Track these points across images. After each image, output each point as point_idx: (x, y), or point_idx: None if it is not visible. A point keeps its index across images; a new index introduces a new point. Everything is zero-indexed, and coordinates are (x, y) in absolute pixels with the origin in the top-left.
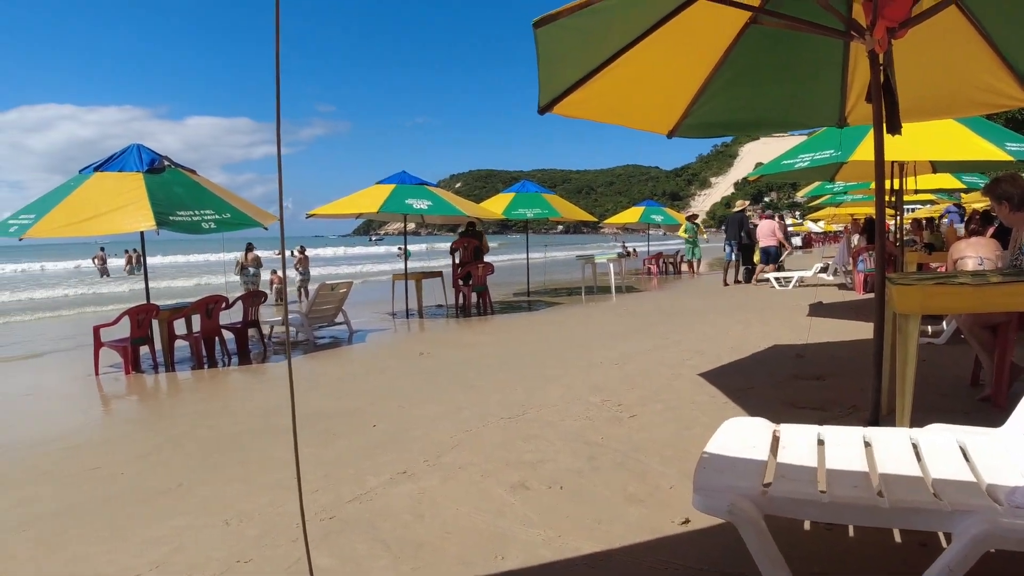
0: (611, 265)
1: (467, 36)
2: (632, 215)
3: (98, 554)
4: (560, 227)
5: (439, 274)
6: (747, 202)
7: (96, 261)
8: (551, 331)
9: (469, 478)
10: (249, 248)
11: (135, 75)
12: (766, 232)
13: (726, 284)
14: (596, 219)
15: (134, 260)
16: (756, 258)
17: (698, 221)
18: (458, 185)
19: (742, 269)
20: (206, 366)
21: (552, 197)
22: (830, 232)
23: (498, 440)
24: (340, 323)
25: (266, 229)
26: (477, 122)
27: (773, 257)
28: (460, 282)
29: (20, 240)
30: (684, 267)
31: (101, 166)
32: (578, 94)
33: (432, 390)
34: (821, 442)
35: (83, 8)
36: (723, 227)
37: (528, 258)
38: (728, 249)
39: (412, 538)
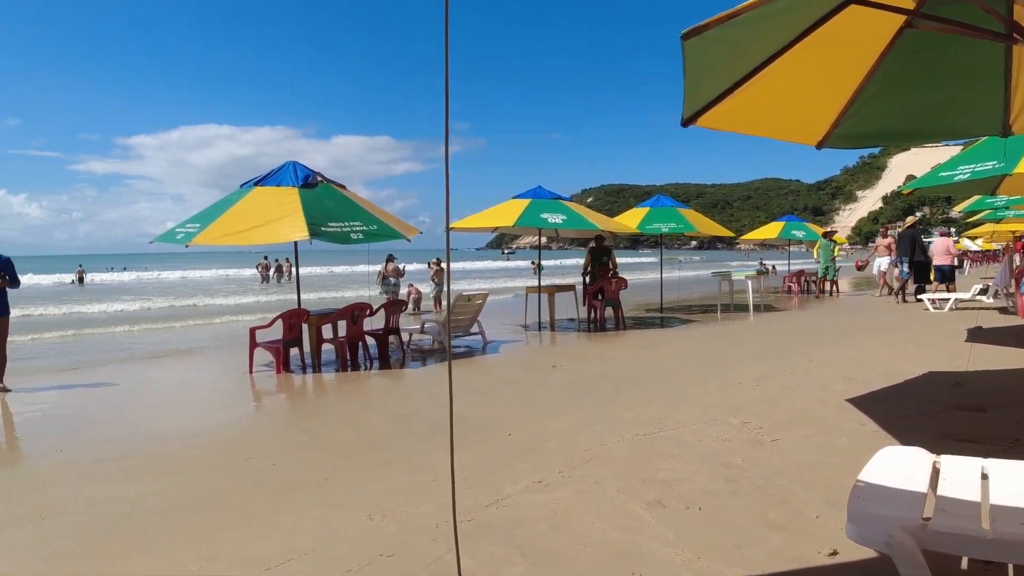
0: (749, 282)
1: (600, 54)
2: (771, 230)
3: (249, 538)
4: (693, 243)
5: (571, 288)
6: (917, 217)
7: (260, 269)
8: (686, 348)
9: (604, 492)
10: (390, 259)
11: (287, 98)
12: (941, 250)
13: (903, 301)
14: (733, 234)
15: (285, 269)
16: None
17: (836, 237)
18: (590, 200)
19: (914, 287)
20: (349, 369)
21: (688, 211)
22: (989, 251)
23: (633, 456)
24: (475, 333)
25: (409, 241)
26: (609, 136)
27: (948, 276)
28: (592, 296)
29: (187, 247)
30: (823, 285)
31: (260, 181)
32: (723, 105)
33: (566, 403)
34: (985, 476)
35: (242, 38)
36: (870, 243)
37: (661, 273)
38: (901, 266)
39: (548, 548)
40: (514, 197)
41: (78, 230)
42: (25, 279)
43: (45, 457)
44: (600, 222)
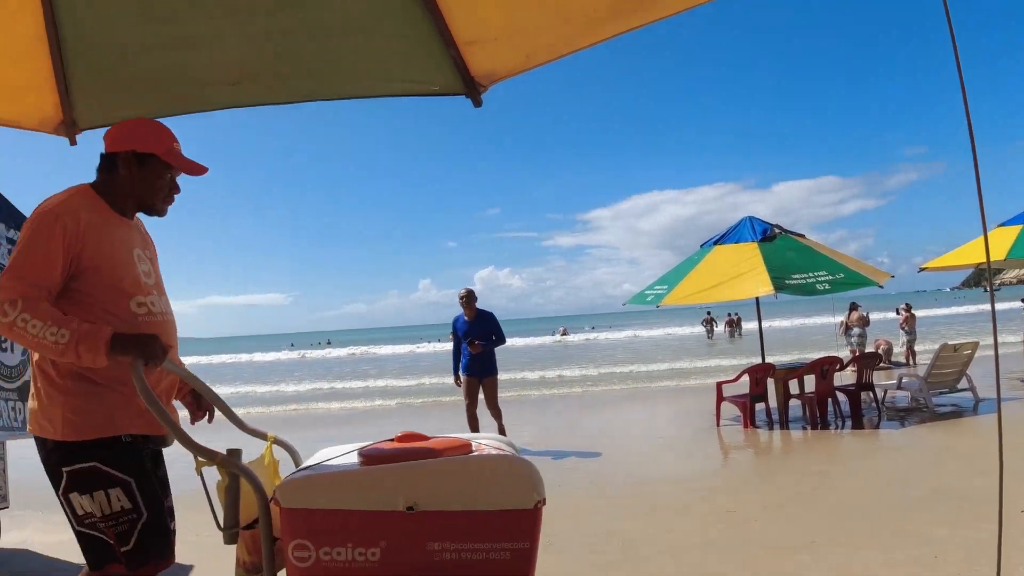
0: None
1: None
2: None
3: None
4: None
5: None
6: None
7: (705, 324)
8: None
9: None
10: (853, 308)
11: (724, 155)
12: None
13: None
14: None
15: (735, 324)
16: None
17: None
18: None
19: None
20: (819, 427)
21: None
22: None
23: None
24: (963, 389)
25: (881, 287)
26: None
27: None
28: None
29: (657, 307)
30: None
31: (719, 240)
32: None
33: None
34: None
35: (679, 113)
36: None
37: None
38: None
39: None
40: (1000, 225)
41: (551, 295)
42: (511, 341)
43: (548, 490)
44: None
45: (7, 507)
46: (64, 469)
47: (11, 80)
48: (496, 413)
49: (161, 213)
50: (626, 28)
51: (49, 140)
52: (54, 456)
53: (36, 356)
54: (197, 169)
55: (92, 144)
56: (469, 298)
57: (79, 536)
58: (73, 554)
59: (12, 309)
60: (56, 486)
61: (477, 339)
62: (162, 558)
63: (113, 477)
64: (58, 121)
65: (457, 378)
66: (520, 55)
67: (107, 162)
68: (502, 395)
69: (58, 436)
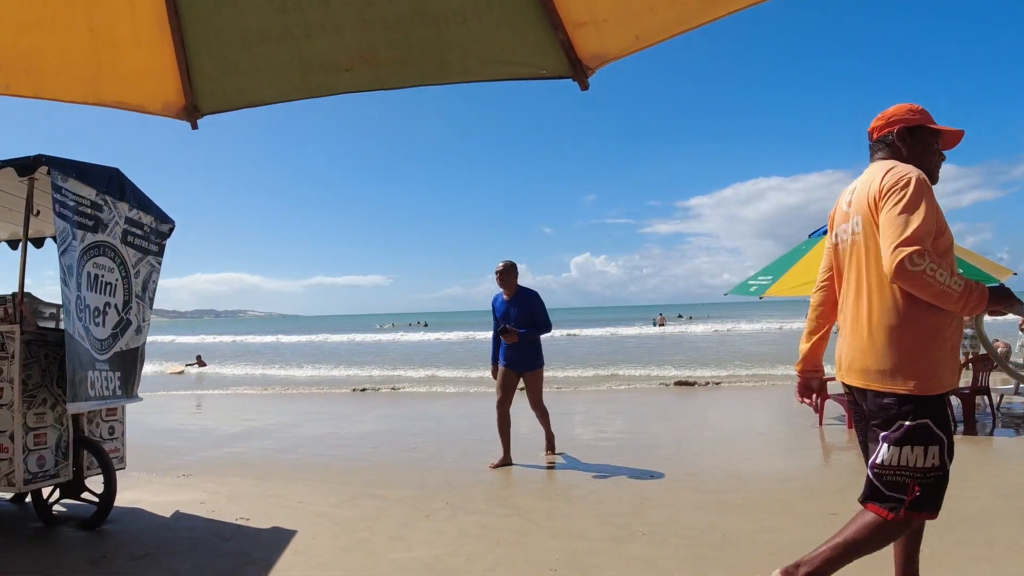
0: None
1: None
2: None
3: None
4: None
5: None
6: None
7: None
8: None
9: None
10: None
11: (834, 142)
12: None
13: None
14: None
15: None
16: None
17: None
18: None
19: None
20: None
21: None
22: None
23: None
24: None
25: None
26: None
27: None
28: None
29: (760, 299)
30: None
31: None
32: None
33: None
34: None
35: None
36: None
37: None
38: None
39: None
40: None
41: (647, 283)
42: (607, 330)
43: (640, 481)
44: None
45: (124, 468)
46: (905, 423)
47: (135, 65)
48: (541, 413)
49: (935, 179)
50: (742, 5)
51: (171, 125)
52: (899, 409)
53: (885, 317)
54: (956, 134)
55: (212, 128)
56: (506, 273)
57: (877, 477)
58: (179, 514)
59: (921, 260)
60: (887, 435)
61: (512, 324)
62: (934, 510)
63: (935, 436)
64: (180, 106)
65: (495, 368)
66: (630, 36)
67: (898, 139)
68: (580, 390)
69: (912, 391)
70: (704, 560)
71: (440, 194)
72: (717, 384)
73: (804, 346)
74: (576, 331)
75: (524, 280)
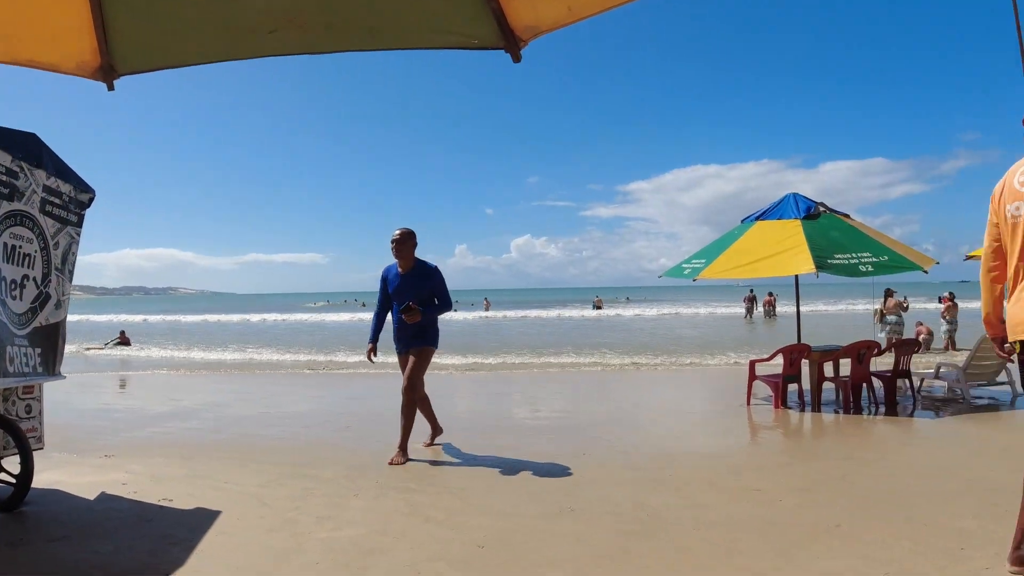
0: None
1: None
2: None
3: (766, 572)
4: None
5: None
6: None
7: (746, 303)
8: None
9: None
10: (888, 294)
11: (772, 131)
12: None
13: None
14: None
15: (772, 304)
16: None
17: None
18: None
19: None
20: (852, 411)
21: None
22: None
23: None
24: (1002, 383)
25: (926, 272)
26: None
27: None
28: None
29: (694, 281)
30: None
31: (762, 215)
32: None
33: None
34: None
35: (719, 78)
36: None
37: None
38: None
39: None
40: None
41: (587, 266)
42: (554, 312)
43: (572, 459)
44: None
45: (42, 448)
46: None
47: (49, 23)
48: (408, 401)
49: None
50: None
51: (89, 86)
52: None
53: None
54: None
55: (130, 90)
56: (403, 243)
57: None
58: (101, 496)
59: None
60: None
61: (414, 301)
62: None
63: None
64: (95, 66)
65: (372, 349)
66: (563, 7)
67: None
68: (516, 372)
69: None
70: (631, 535)
71: (380, 171)
72: (653, 368)
73: (993, 309)
74: (519, 313)
75: (465, 261)
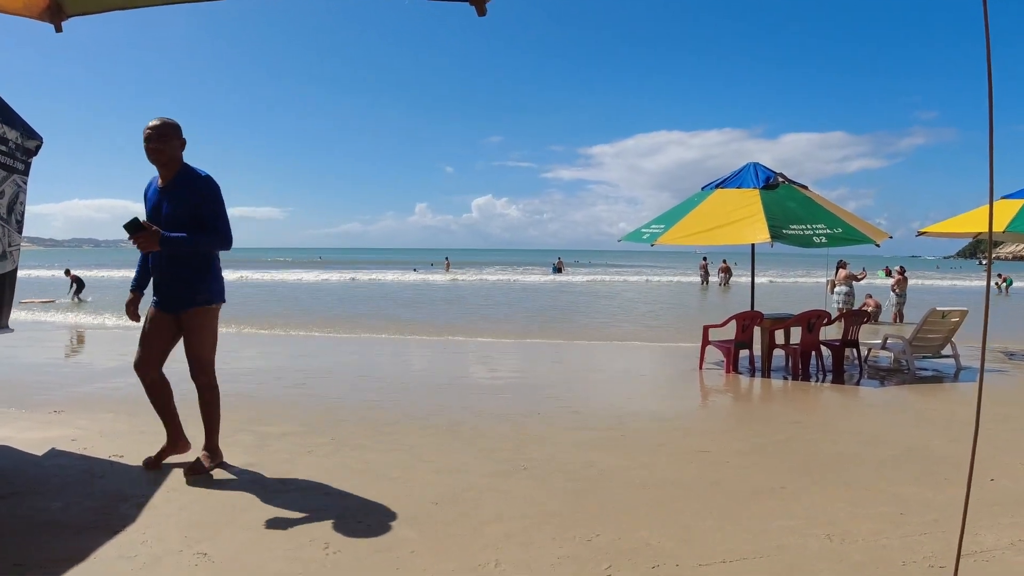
0: None
1: None
2: None
3: (709, 530)
4: None
5: None
6: None
7: (701, 270)
8: None
9: None
10: (841, 266)
11: (735, 100)
12: None
13: None
14: None
15: (727, 272)
16: None
17: None
18: None
19: None
20: (800, 378)
21: None
22: None
23: None
24: (947, 356)
25: (878, 246)
26: None
27: None
28: None
29: (652, 246)
30: None
31: (722, 183)
32: None
33: None
34: None
35: (687, 42)
36: None
37: None
38: None
39: None
40: (1004, 197)
41: (547, 228)
42: (518, 274)
43: (525, 419)
44: None
45: None
46: None
47: None
48: (205, 385)
49: None
50: None
51: (34, 26)
52: None
53: None
54: None
55: (81, 34)
56: (160, 139)
57: None
58: (50, 452)
59: None
60: None
61: (163, 225)
62: None
63: None
64: (43, 6)
65: (132, 300)
66: None
67: None
68: (473, 338)
69: None
70: (580, 493)
71: (338, 124)
72: (605, 329)
73: None
74: (480, 276)
75: (425, 219)
